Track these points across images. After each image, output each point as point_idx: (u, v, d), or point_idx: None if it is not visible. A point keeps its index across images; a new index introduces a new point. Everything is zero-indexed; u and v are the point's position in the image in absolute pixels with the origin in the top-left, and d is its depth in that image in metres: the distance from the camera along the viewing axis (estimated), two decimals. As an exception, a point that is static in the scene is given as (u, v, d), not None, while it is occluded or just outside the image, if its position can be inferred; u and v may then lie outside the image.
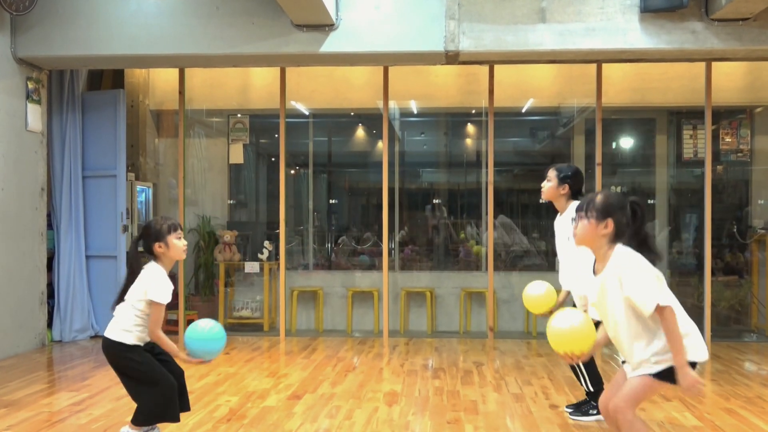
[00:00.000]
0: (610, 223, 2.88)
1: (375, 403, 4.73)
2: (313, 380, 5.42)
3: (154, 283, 3.52)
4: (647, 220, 2.98)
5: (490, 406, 4.66)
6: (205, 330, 3.50)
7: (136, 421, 3.56)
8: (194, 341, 3.47)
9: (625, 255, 2.86)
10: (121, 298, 3.60)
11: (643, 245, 2.90)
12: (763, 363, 6.30)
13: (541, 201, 4.33)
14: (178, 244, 3.62)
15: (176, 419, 3.60)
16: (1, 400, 4.78)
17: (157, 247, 3.59)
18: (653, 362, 2.83)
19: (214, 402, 4.73)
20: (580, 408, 4.42)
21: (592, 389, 4.34)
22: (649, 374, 2.84)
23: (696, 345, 2.85)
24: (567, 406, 4.55)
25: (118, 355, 3.55)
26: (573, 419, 4.35)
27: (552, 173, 4.44)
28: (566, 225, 4.25)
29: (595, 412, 4.35)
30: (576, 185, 4.42)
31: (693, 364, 2.82)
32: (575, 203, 4.29)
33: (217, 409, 4.56)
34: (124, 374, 3.59)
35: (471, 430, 4.12)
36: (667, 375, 2.80)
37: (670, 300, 2.79)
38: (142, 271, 3.57)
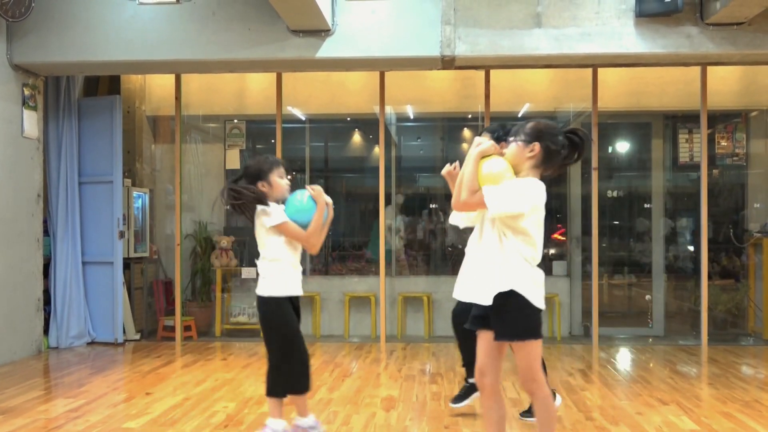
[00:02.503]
0: (537, 147, 2.99)
1: (372, 408, 4.73)
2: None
3: (267, 214, 3.61)
4: (588, 150, 3.17)
5: (487, 411, 4.65)
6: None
7: (273, 393, 3.66)
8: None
9: (526, 180, 2.99)
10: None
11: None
12: (760, 366, 6.31)
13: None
14: (281, 183, 3.65)
15: (308, 388, 3.73)
16: (-2, 407, 4.77)
17: (261, 186, 3.63)
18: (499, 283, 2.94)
19: (212, 408, 4.72)
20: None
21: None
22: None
23: (537, 293, 2.98)
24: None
25: (268, 311, 3.64)
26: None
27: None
28: None
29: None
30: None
31: (532, 307, 2.95)
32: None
33: (215, 415, 4.55)
34: (270, 333, 3.66)
35: (469, 434, 4.12)
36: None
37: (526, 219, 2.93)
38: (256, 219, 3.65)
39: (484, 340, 3.06)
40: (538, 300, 2.98)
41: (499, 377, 3.10)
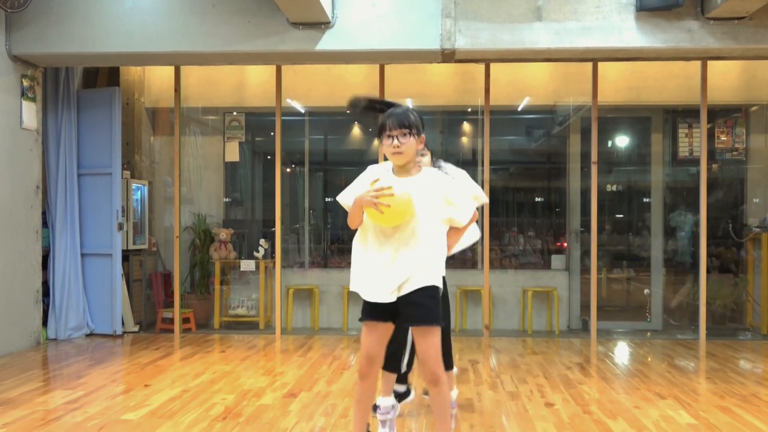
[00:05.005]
0: (423, 137, 3.02)
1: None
2: (309, 378, 5.42)
3: None
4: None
5: (485, 405, 4.67)
6: None
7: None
8: None
9: (450, 173, 3.07)
10: None
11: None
12: (757, 361, 6.32)
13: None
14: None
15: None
16: (-4, 399, 4.78)
17: None
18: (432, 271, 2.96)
19: (210, 400, 4.73)
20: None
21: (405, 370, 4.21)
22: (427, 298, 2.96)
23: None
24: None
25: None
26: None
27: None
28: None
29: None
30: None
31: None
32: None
33: (213, 407, 4.56)
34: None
35: (466, 428, 4.13)
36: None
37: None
38: None
39: (380, 331, 3.13)
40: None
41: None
